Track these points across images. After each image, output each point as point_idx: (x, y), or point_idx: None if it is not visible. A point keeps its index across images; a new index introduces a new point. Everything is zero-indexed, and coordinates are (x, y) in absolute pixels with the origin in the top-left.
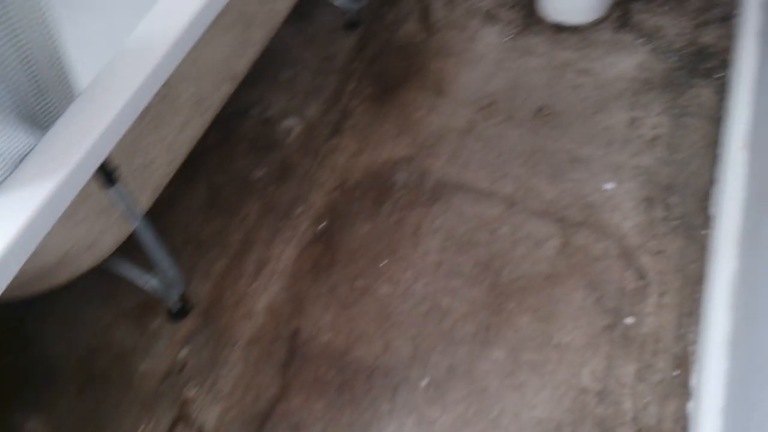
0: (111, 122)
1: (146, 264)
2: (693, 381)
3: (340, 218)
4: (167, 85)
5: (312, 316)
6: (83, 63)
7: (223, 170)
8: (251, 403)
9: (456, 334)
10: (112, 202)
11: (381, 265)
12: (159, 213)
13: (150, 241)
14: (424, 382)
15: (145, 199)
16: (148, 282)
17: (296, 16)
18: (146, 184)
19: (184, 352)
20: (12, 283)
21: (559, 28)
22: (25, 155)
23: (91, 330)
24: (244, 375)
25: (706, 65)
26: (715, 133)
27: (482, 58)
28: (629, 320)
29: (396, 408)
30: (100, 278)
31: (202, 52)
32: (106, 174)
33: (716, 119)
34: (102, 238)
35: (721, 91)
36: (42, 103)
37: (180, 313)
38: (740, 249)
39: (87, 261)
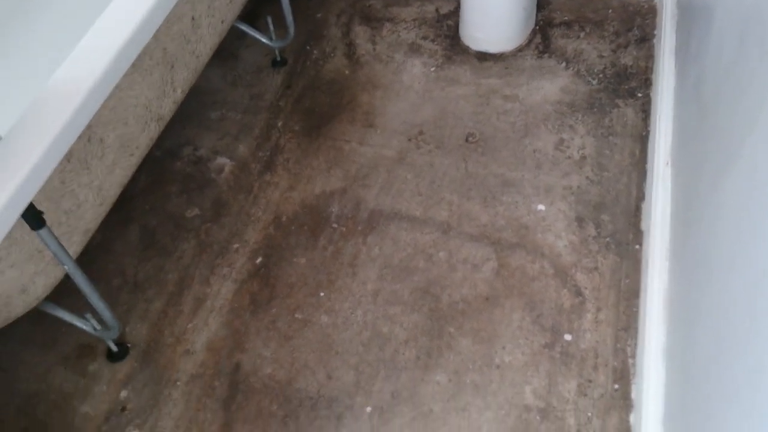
0: (34, 165)
1: (83, 307)
2: (634, 393)
3: (276, 252)
4: (91, 127)
5: (253, 350)
6: (3, 107)
7: (156, 211)
8: None
9: (398, 360)
10: (42, 246)
11: (320, 296)
12: (94, 256)
13: (83, 283)
14: (368, 409)
15: (76, 242)
16: (85, 325)
17: (222, 56)
18: (77, 227)
19: (124, 393)
20: None
21: (483, 57)
22: None
23: (30, 375)
24: (185, 413)
25: (628, 85)
26: (641, 150)
27: (409, 89)
28: (568, 337)
29: None
30: (37, 322)
31: (125, 93)
32: (33, 216)
33: (641, 137)
34: (35, 281)
35: (645, 109)
36: None
37: (119, 354)
38: (671, 262)
39: (20, 305)
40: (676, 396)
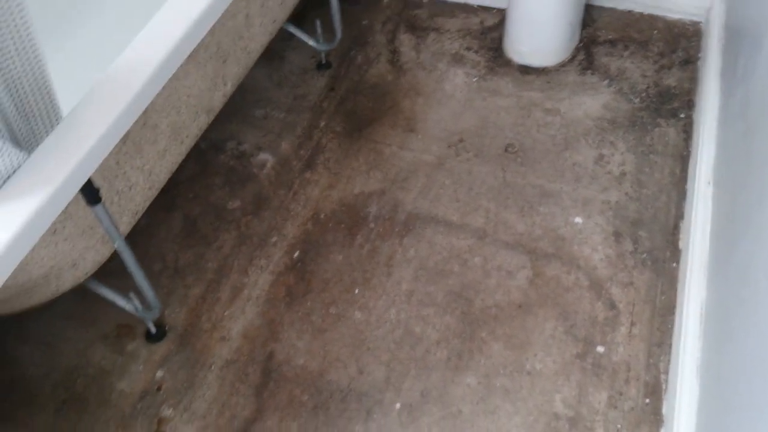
0: (94, 145)
1: (125, 288)
2: (665, 409)
3: (314, 248)
4: (147, 113)
5: (287, 341)
6: (67, 89)
7: (199, 200)
8: (226, 424)
9: (429, 360)
10: (95, 222)
11: (355, 292)
12: (137, 240)
13: (130, 262)
14: (397, 406)
15: (125, 223)
16: (127, 304)
17: (269, 57)
18: (127, 208)
19: (160, 373)
20: None
21: (525, 70)
22: (10, 175)
23: (70, 350)
24: (219, 396)
25: (671, 105)
26: (681, 170)
27: (451, 98)
28: (600, 349)
29: (370, 430)
30: (80, 301)
31: (180, 83)
32: (91, 193)
33: (682, 157)
34: (84, 257)
35: (686, 130)
36: (27, 127)
37: (157, 335)
38: (708, 281)
39: (69, 279)
40: (709, 413)
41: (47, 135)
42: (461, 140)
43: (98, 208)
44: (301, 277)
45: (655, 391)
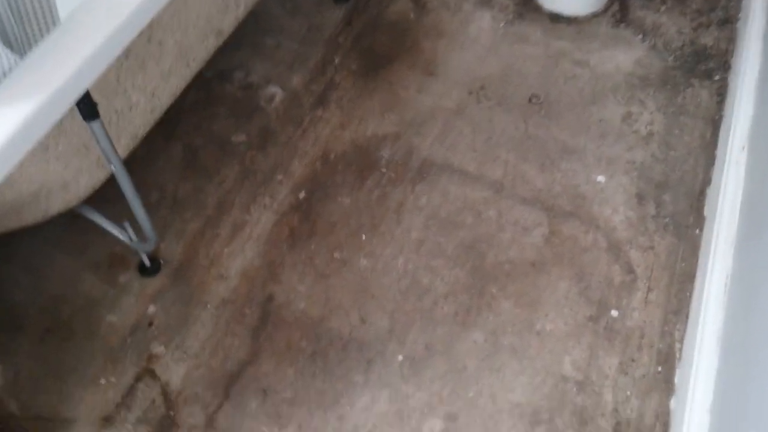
0: (93, 52)
1: (119, 217)
2: (677, 378)
3: (321, 189)
4: (152, 27)
5: (287, 284)
6: None
7: (201, 131)
8: (219, 365)
9: (435, 313)
10: (90, 141)
11: (362, 238)
12: (135, 168)
13: (127, 188)
14: (400, 358)
15: (123, 146)
16: (121, 234)
17: None
18: (125, 130)
19: (152, 308)
20: None
21: (556, 18)
22: (0, 79)
23: (57, 278)
24: (213, 336)
25: (706, 66)
26: (712, 133)
27: (475, 42)
28: (614, 313)
29: (370, 381)
30: (70, 227)
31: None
32: (88, 106)
33: (713, 120)
34: (77, 179)
35: (720, 92)
36: (21, 28)
37: (151, 268)
38: (736, 251)
39: (60, 202)
40: (729, 384)
41: (42, 38)
42: (483, 87)
43: (95, 124)
44: (306, 218)
45: (668, 359)
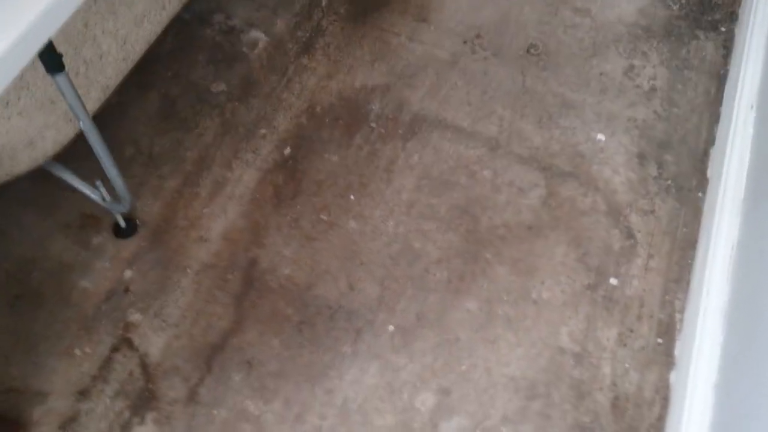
0: None
1: (92, 175)
2: (678, 350)
3: (307, 144)
4: None
5: (272, 247)
6: None
7: (179, 80)
8: (201, 334)
9: (427, 280)
10: (57, 94)
11: (350, 198)
12: (107, 121)
13: (97, 143)
14: (390, 328)
15: (93, 99)
16: (93, 193)
17: None
18: (96, 81)
19: (128, 273)
20: None
21: None
22: None
23: (26, 240)
24: (194, 303)
25: (712, 17)
26: (717, 90)
27: None
28: (613, 281)
29: (359, 352)
30: (40, 185)
31: None
32: (52, 58)
33: (719, 75)
34: (43, 135)
35: (726, 45)
36: None
37: (127, 230)
38: (742, 217)
39: (25, 161)
40: (735, 362)
41: None
42: (478, 36)
43: (60, 77)
44: (291, 176)
45: (669, 330)
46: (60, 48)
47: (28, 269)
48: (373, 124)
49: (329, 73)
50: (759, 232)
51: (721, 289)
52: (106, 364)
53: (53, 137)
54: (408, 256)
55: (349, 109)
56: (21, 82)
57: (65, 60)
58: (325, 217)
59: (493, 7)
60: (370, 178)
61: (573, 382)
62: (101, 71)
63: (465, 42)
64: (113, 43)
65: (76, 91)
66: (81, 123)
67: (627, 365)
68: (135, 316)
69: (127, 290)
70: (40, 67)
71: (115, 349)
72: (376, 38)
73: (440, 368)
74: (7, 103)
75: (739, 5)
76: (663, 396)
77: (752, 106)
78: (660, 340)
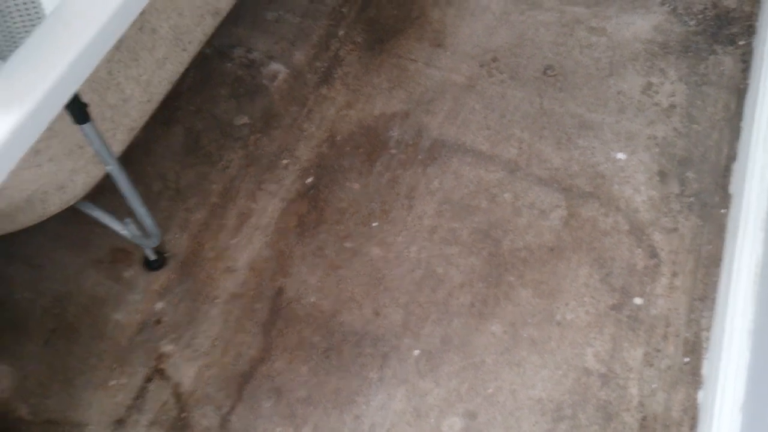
0: (82, 51)
1: (122, 210)
2: (705, 369)
3: (328, 174)
4: (144, 14)
5: (297, 276)
6: None
7: (202, 114)
8: (231, 363)
9: (451, 305)
10: (84, 141)
11: (372, 226)
12: (134, 158)
13: (125, 186)
14: (416, 353)
15: (119, 141)
16: (123, 229)
17: None
18: (121, 124)
19: (160, 305)
20: None
21: None
22: None
23: (60, 275)
24: (223, 333)
25: (729, 31)
26: (737, 104)
27: (485, 10)
28: (638, 301)
29: (385, 378)
30: (71, 223)
31: None
32: (78, 110)
33: (739, 90)
34: (73, 179)
35: (745, 59)
36: (3, 26)
37: (157, 263)
38: (766, 232)
39: (56, 203)
40: (762, 382)
41: (26, 37)
42: (495, 59)
43: (87, 127)
44: (314, 205)
45: (695, 349)
46: (85, 96)
47: (63, 304)
48: (393, 151)
49: (348, 102)
50: None
51: (745, 307)
52: (141, 394)
53: (82, 180)
54: (431, 281)
55: (369, 136)
56: (50, 131)
57: (91, 108)
58: (348, 245)
59: (508, 30)
60: (392, 204)
61: (600, 404)
62: (126, 114)
63: (481, 66)
64: (137, 87)
65: (102, 138)
66: (108, 168)
67: (654, 385)
68: (167, 347)
69: (158, 322)
70: (68, 116)
71: (148, 379)
72: (393, 65)
73: (466, 392)
74: (38, 152)
75: (757, 19)
76: (691, 416)
77: None
78: (687, 360)
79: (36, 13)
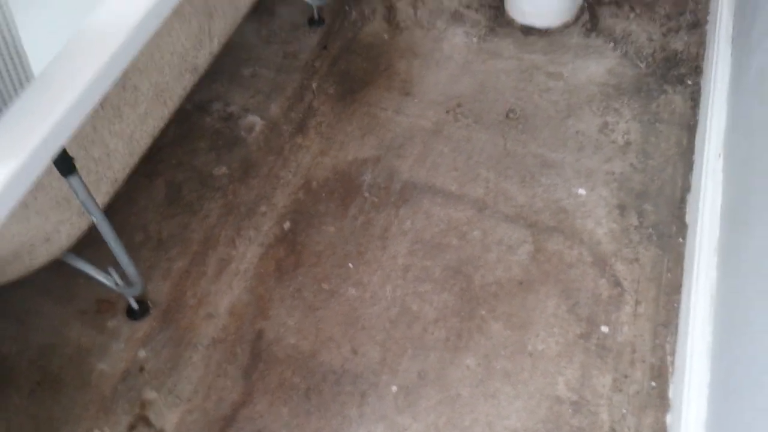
0: (68, 108)
1: (104, 261)
2: (671, 392)
3: (305, 218)
4: (127, 73)
5: (277, 319)
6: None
7: (183, 166)
8: (213, 408)
9: (426, 340)
10: (70, 193)
11: (348, 267)
12: (117, 209)
13: (109, 236)
14: (393, 389)
15: (103, 192)
16: (106, 279)
17: (258, 12)
18: (105, 177)
19: (143, 353)
20: None
21: (528, 31)
22: None
23: (45, 327)
24: (205, 378)
25: (678, 71)
26: (688, 139)
27: (449, 59)
28: (605, 329)
29: (365, 414)
30: (56, 275)
31: (163, 40)
32: (65, 163)
33: (689, 126)
34: (59, 231)
35: (694, 97)
36: None
37: (139, 312)
38: (719, 258)
39: (43, 255)
40: (721, 399)
41: (15, 97)
42: (460, 105)
43: (73, 179)
44: (292, 249)
45: (662, 373)
46: (71, 150)
47: (48, 355)
48: (367, 194)
49: (323, 150)
50: (734, 274)
51: (704, 331)
52: None
53: (68, 231)
54: (407, 318)
55: (343, 181)
56: (37, 184)
57: (76, 161)
58: (326, 287)
59: (470, 78)
60: (367, 246)
61: (572, 430)
62: (110, 167)
63: (447, 111)
64: (120, 142)
65: (87, 190)
66: (94, 218)
67: (624, 410)
68: (150, 394)
69: (141, 369)
70: (54, 169)
71: (132, 427)
72: (364, 114)
73: (444, 425)
74: (27, 205)
75: (703, 59)
76: None
77: (719, 155)
78: (654, 384)
79: (25, 74)
